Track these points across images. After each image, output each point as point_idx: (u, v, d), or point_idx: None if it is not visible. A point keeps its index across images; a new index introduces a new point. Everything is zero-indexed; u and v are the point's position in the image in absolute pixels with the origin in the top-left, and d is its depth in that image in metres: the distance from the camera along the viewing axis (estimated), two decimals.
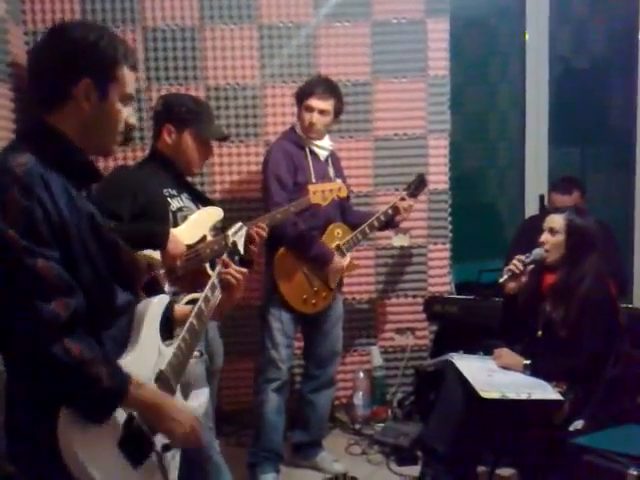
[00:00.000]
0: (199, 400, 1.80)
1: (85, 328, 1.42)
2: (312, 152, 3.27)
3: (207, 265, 2.59)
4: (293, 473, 3.40)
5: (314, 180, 3.19)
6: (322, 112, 3.17)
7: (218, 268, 1.89)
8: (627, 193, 4.32)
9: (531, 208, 4.21)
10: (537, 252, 2.86)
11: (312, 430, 3.43)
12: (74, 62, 1.48)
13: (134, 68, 1.58)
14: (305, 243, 3.17)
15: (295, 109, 3.35)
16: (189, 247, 2.53)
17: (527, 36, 4.20)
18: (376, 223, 3.37)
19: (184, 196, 2.63)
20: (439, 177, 3.94)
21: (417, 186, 3.52)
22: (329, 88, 3.21)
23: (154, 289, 2.28)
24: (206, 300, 1.80)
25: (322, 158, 3.30)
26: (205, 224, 2.63)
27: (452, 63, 3.90)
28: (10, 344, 1.39)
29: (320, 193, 2.98)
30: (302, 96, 3.22)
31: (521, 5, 4.21)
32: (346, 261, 3.31)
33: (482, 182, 4.67)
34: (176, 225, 2.52)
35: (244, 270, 1.89)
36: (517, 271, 2.86)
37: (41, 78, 1.52)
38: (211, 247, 2.58)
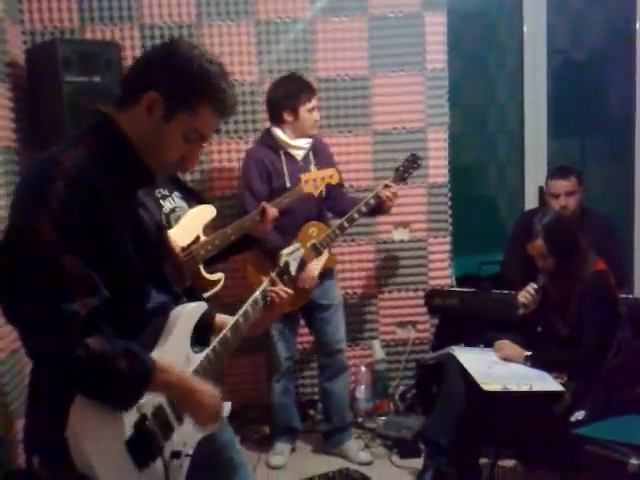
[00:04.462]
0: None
1: (112, 325, 1.43)
2: (287, 154, 3.29)
3: (201, 266, 2.58)
4: (307, 455, 3.48)
5: (288, 185, 3.18)
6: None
7: (264, 284, 1.88)
8: (627, 184, 4.32)
9: (531, 200, 4.21)
10: (542, 278, 2.88)
11: (334, 418, 3.50)
12: (152, 73, 1.51)
13: (221, 117, 1.57)
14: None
15: None
16: (183, 249, 2.52)
17: (525, 29, 4.19)
18: (356, 215, 3.25)
19: (175, 195, 2.61)
20: (439, 170, 3.94)
21: (407, 168, 3.37)
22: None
23: (195, 295, 2.30)
24: (245, 315, 1.80)
25: (299, 158, 3.31)
26: (197, 224, 2.61)
27: (450, 56, 3.89)
28: (33, 340, 1.38)
29: (312, 182, 2.98)
30: (302, 99, 3.24)
31: None
32: (323, 258, 3.28)
33: (482, 175, 4.66)
34: (169, 227, 2.51)
35: (290, 291, 1.90)
36: (528, 301, 2.88)
37: (126, 76, 1.59)
38: (205, 247, 2.57)
